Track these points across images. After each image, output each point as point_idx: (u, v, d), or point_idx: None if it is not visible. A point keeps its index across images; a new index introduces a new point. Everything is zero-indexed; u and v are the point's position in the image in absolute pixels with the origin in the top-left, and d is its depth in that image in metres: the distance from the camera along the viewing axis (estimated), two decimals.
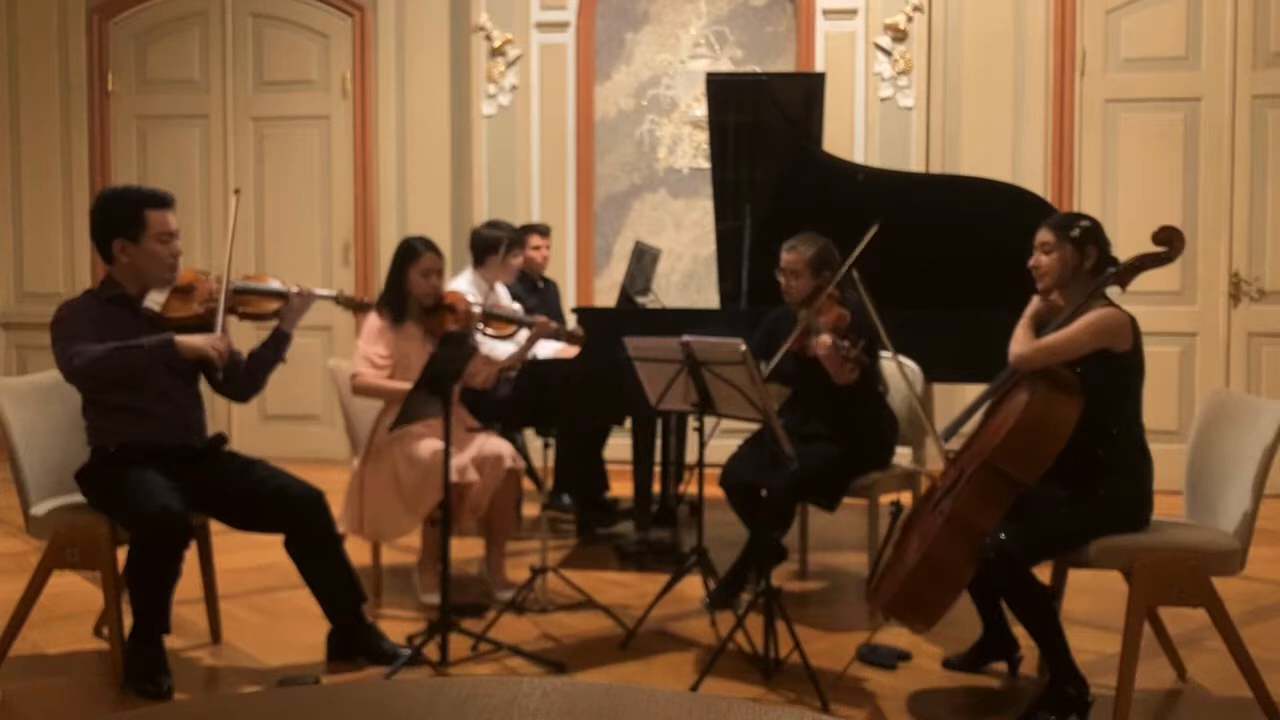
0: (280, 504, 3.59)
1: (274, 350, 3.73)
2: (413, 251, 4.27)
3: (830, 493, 4.17)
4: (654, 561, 4.89)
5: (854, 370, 3.88)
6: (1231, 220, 6.47)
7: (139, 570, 3.40)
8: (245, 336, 4.00)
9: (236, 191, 4.16)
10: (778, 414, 4.05)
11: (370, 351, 4.22)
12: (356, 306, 3.98)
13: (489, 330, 4.43)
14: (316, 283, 7.15)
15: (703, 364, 3.48)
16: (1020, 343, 3.30)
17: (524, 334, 4.55)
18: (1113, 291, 3.34)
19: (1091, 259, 3.29)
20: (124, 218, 3.52)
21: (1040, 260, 3.34)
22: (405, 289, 4.26)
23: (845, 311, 3.98)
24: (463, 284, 5.33)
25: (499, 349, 4.71)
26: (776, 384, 4.17)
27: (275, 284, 3.77)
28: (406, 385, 4.00)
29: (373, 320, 4.28)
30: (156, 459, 3.47)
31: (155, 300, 3.59)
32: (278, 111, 7.46)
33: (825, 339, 3.86)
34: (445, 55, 7.24)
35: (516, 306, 5.33)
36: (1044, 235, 3.34)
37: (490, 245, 5.44)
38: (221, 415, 6.39)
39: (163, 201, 3.57)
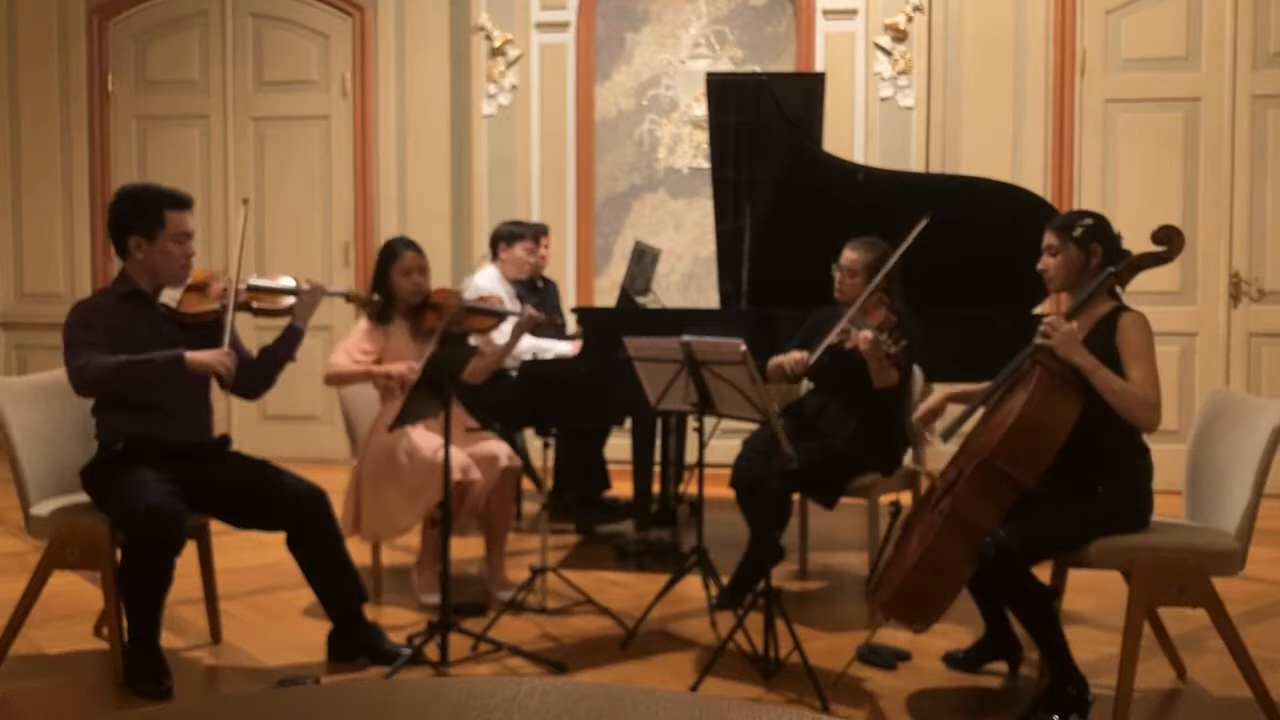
0: (284, 501, 3.60)
1: (286, 346, 3.76)
2: (392, 252, 4.34)
3: (828, 489, 4.18)
4: (654, 561, 4.89)
5: (892, 372, 3.96)
6: (1231, 220, 6.47)
7: (129, 572, 3.38)
8: (249, 336, 4.00)
9: (245, 201, 4.12)
10: (791, 406, 4.07)
11: (351, 346, 4.25)
12: (366, 304, 4.16)
13: (471, 325, 4.45)
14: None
15: (703, 364, 3.48)
16: (1144, 407, 3.14)
17: (508, 326, 4.53)
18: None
19: (1098, 256, 3.29)
20: (143, 215, 3.54)
21: (1047, 263, 3.35)
22: (390, 289, 4.29)
23: (891, 315, 4.10)
24: (484, 280, 5.47)
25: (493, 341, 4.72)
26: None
27: (288, 280, 3.82)
28: (370, 365, 4.15)
29: (363, 320, 4.30)
30: (163, 457, 3.47)
31: (170, 296, 3.63)
32: (278, 111, 7.46)
33: (867, 333, 3.93)
34: (445, 55, 7.24)
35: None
36: (1048, 238, 3.35)
37: (500, 236, 5.64)
38: (222, 415, 6.33)
39: (183, 203, 3.61)
